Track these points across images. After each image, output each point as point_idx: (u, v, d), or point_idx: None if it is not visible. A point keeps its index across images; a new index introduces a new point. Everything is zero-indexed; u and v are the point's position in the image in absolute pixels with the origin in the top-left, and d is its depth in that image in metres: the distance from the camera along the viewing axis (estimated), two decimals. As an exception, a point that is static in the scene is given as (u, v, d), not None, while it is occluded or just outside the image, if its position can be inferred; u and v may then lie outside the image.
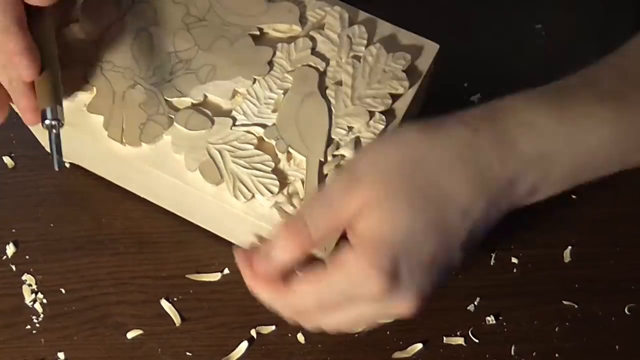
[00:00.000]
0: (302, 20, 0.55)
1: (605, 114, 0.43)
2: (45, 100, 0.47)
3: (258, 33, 0.54)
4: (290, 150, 0.50)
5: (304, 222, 0.43)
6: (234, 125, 0.51)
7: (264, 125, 0.51)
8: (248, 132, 0.51)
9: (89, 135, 0.51)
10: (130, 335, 0.56)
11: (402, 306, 0.43)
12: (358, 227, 0.43)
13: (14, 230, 0.59)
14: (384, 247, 0.42)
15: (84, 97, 0.52)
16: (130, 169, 0.53)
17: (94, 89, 0.52)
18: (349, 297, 0.43)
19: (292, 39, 0.54)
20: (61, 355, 0.55)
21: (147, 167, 0.51)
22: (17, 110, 0.50)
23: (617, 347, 0.57)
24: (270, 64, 0.53)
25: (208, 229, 0.57)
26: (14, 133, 0.61)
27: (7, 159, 0.61)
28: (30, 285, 0.57)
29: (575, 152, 0.44)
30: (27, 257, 0.58)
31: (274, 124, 0.51)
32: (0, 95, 0.49)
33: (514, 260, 0.60)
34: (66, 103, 0.50)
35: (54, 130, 0.47)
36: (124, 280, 0.58)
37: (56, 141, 0.47)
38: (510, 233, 0.60)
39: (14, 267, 0.58)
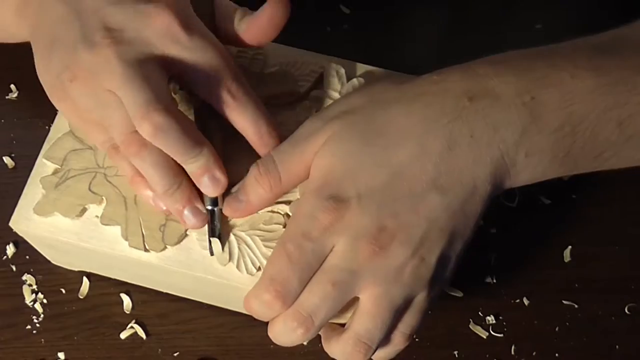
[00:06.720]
0: (300, 84, 0.52)
1: (587, 69, 0.43)
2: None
3: None
4: None
5: (273, 162, 0.45)
6: None
7: (288, 202, 0.47)
8: (273, 211, 0.48)
9: (107, 249, 0.48)
10: (131, 335, 0.56)
11: (359, 225, 0.42)
12: (313, 163, 0.44)
13: (14, 231, 0.59)
14: (327, 176, 0.43)
15: (94, 209, 0.48)
16: (154, 272, 0.50)
17: (103, 198, 0.48)
18: (311, 238, 0.42)
19: (294, 104, 0.51)
20: (61, 355, 0.55)
21: (175, 268, 0.47)
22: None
23: (617, 347, 0.57)
24: None
25: (232, 309, 0.56)
26: (14, 133, 0.61)
27: (7, 159, 0.60)
28: (30, 285, 0.57)
29: (563, 94, 0.42)
30: (27, 257, 0.58)
31: (298, 199, 0.47)
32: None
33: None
34: (77, 220, 0.48)
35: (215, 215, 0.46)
36: (124, 280, 0.58)
37: (214, 224, 0.46)
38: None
39: (14, 268, 0.58)
